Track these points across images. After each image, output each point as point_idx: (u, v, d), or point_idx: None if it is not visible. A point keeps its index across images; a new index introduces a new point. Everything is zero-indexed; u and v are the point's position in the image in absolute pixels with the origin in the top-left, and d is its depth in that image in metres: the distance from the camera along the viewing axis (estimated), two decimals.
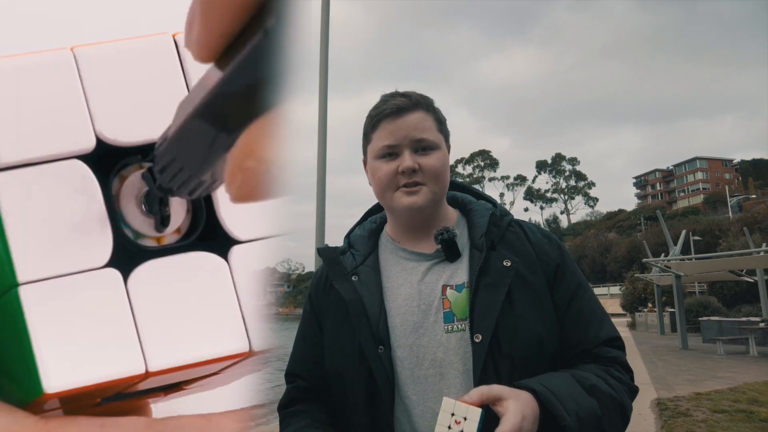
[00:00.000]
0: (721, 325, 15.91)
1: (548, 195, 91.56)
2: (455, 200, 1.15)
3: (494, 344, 0.92)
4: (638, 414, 6.21)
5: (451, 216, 1.11)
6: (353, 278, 1.05)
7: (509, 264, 0.98)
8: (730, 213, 46.87)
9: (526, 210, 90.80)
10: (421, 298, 1.00)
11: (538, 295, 0.99)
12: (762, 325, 14.26)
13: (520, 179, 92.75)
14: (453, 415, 0.79)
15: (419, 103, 1.04)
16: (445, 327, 0.97)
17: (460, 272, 1.01)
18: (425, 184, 1.01)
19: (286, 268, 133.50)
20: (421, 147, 1.01)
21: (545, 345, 0.96)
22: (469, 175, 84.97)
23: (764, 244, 18.18)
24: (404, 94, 1.05)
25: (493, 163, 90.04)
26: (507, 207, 1.25)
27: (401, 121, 1.01)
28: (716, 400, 7.00)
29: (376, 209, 1.21)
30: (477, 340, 0.93)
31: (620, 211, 79.66)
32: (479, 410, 0.79)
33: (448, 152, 1.09)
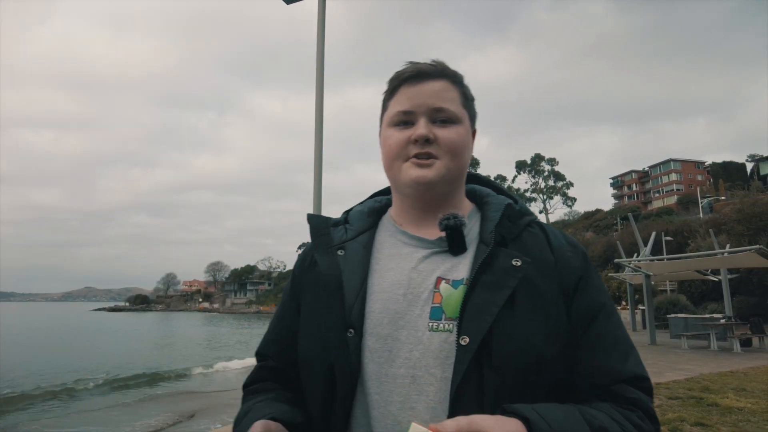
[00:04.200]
0: (687, 322, 16.81)
1: (527, 195, 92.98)
2: (473, 193, 1.03)
3: (483, 352, 0.78)
4: None
5: (465, 207, 0.99)
6: (339, 252, 0.94)
7: (518, 264, 0.85)
8: (701, 214, 48.39)
9: None
10: (410, 287, 0.88)
11: (548, 307, 0.84)
12: (722, 321, 15.26)
13: (500, 179, 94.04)
14: None
15: (445, 72, 0.94)
16: (430, 324, 0.84)
17: (461, 267, 0.88)
18: (439, 158, 0.90)
19: (266, 266, 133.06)
20: (440, 118, 0.91)
21: (546, 366, 0.80)
22: None
23: (728, 245, 19.24)
24: (431, 62, 0.95)
25: (474, 163, 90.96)
26: None
27: (421, 86, 0.92)
28: (673, 389, 7.80)
29: (385, 192, 1.10)
30: (463, 343, 0.79)
31: (597, 210, 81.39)
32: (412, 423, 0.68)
33: (473, 135, 0.98)
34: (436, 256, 0.91)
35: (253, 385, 1.01)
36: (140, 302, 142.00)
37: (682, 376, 9.16)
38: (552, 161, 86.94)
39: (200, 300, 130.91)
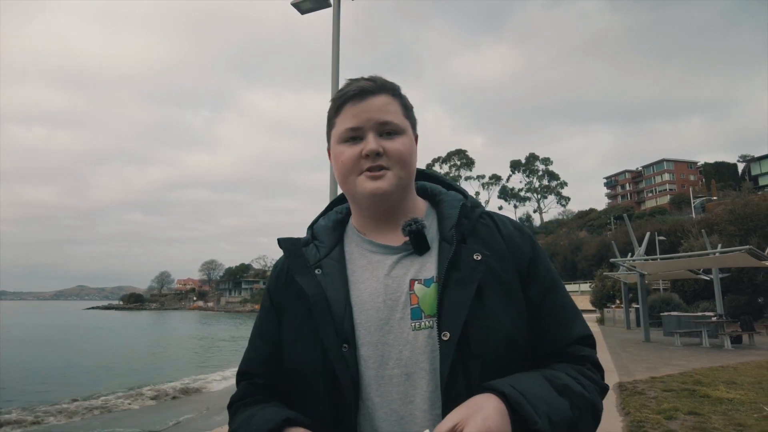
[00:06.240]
0: (680, 320, 17.26)
1: (522, 194, 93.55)
2: (424, 191, 1.10)
3: (463, 343, 0.86)
4: None
5: (420, 207, 1.06)
6: (317, 271, 0.99)
7: (480, 258, 0.93)
8: (693, 214, 48.93)
9: (500, 208, 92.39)
10: (388, 293, 0.94)
11: (510, 291, 0.94)
12: (714, 319, 15.67)
13: (495, 178, 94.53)
14: None
15: (384, 86, 1.00)
16: (413, 324, 0.91)
17: (429, 266, 0.96)
18: (390, 169, 0.96)
19: (261, 264, 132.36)
20: (386, 131, 0.97)
21: (517, 344, 0.91)
22: (446, 174, 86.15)
23: (719, 246, 19.70)
24: (369, 78, 1.01)
25: (469, 163, 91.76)
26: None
27: (365, 103, 0.97)
28: (668, 382, 8.23)
29: (342, 200, 1.13)
30: (444, 339, 0.87)
31: (591, 210, 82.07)
32: (426, 430, 0.77)
33: (416, 141, 1.04)
34: (404, 259, 0.98)
35: (241, 400, 1.02)
36: (134, 301, 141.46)
37: (675, 370, 9.58)
38: (546, 161, 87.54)
39: (195, 298, 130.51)
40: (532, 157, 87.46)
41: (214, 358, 23.17)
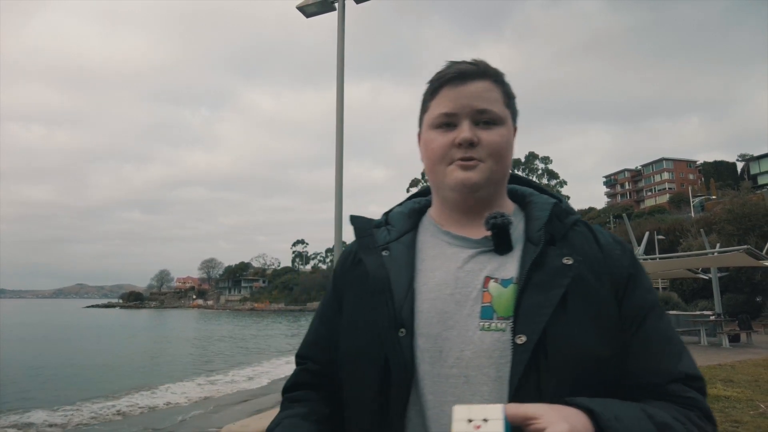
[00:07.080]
0: (678, 319, 17.27)
1: None
2: (514, 193, 1.02)
3: (540, 352, 0.77)
4: None
5: (508, 208, 0.97)
6: (384, 253, 0.94)
7: (570, 262, 0.84)
8: (693, 213, 49.02)
9: None
10: (458, 287, 0.87)
11: (601, 307, 0.83)
12: (712, 318, 15.83)
13: None
14: (470, 421, 0.66)
15: (487, 71, 0.93)
16: (481, 323, 0.83)
17: (509, 266, 0.87)
18: (483, 161, 0.89)
19: (261, 262, 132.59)
20: (483, 120, 0.90)
21: (603, 367, 0.79)
22: None
23: (718, 245, 19.83)
24: (472, 61, 0.94)
25: None
26: None
27: (464, 88, 0.91)
28: None
29: (422, 194, 1.09)
30: (519, 342, 0.78)
31: (590, 209, 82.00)
32: (500, 406, 0.66)
33: (514, 133, 0.96)
34: (481, 255, 0.90)
35: (292, 391, 1.01)
36: (134, 299, 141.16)
37: None
38: (546, 159, 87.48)
39: (194, 297, 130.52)
40: (532, 156, 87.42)
41: (224, 357, 23.28)
